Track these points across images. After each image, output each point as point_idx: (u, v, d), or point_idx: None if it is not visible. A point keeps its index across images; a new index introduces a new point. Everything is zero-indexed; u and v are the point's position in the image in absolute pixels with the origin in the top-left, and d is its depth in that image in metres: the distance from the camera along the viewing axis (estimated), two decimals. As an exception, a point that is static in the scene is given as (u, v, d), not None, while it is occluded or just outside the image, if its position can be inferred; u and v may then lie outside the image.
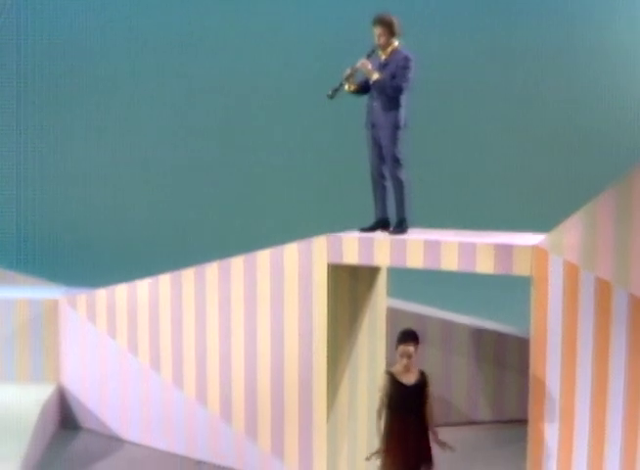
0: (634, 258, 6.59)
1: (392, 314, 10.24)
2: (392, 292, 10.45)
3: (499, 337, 10.89)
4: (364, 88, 8.69)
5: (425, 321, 10.76)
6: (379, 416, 7.51)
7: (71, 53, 16.54)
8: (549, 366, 7.46)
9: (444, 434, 10.47)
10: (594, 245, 6.94)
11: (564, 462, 7.49)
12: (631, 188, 6.60)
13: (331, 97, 8.66)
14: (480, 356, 10.91)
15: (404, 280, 10.76)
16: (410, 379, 7.43)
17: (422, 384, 7.47)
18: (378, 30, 8.51)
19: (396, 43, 8.55)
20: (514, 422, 10.41)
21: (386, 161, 8.60)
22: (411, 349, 7.36)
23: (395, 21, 8.51)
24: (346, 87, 8.64)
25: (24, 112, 16.46)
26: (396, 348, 7.44)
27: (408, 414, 7.38)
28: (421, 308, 11.06)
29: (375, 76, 8.50)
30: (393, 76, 8.47)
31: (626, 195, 6.65)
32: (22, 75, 16.29)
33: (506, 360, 10.81)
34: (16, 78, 16.32)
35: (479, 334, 10.91)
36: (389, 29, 8.49)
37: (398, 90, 8.48)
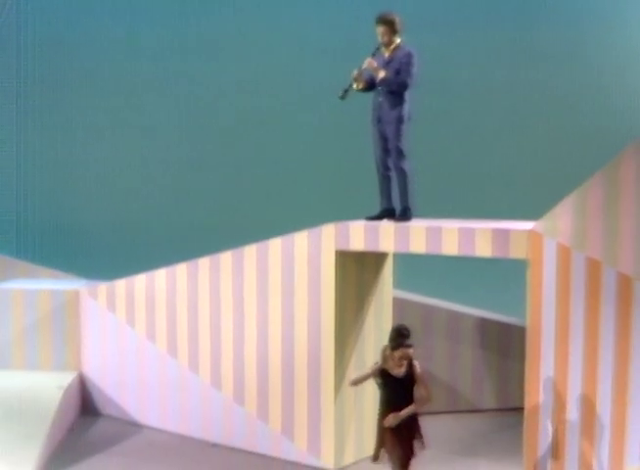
0: (622, 237, 6.99)
1: (400, 304, 10.65)
2: (400, 285, 10.88)
3: (503, 327, 11.24)
4: (371, 85, 9.12)
5: (431, 311, 11.15)
6: (352, 384, 7.82)
7: (73, 50, 16.50)
8: (544, 342, 7.83)
9: (450, 421, 10.92)
10: (584, 227, 7.33)
11: (560, 426, 7.87)
12: (618, 172, 7.00)
13: (342, 98, 9.09)
14: (485, 346, 11.27)
15: (411, 275, 11.17)
16: (400, 371, 7.49)
17: (411, 373, 7.52)
18: (381, 29, 8.94)
19: (398, 40, 8.99)
20: (518, 409, 10.70)
21: (390, 153, 9.02)
22: (411, 351, 7.40)
23: (397, 19, 8.93)
24: (355, 86, 9.08)
25: (25, 108, 16.50)
26: (393, 348, 7.40)
27: (401, 404, 7.48)
28: (427, 299, 11.42)
29: (381, 74, 8.93)
30: (398, 73, 8.90)
31: (613, 179, 7.05)
32: (22, 64, 16.30)
33: (510, 350, 11.14)
34: (16, 71, 16.37)
35: (483, 324, 11.27)
36: (392, 28, 8.92)
37: (404, 86, 8.92)
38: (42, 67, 16.41)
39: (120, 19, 16.54)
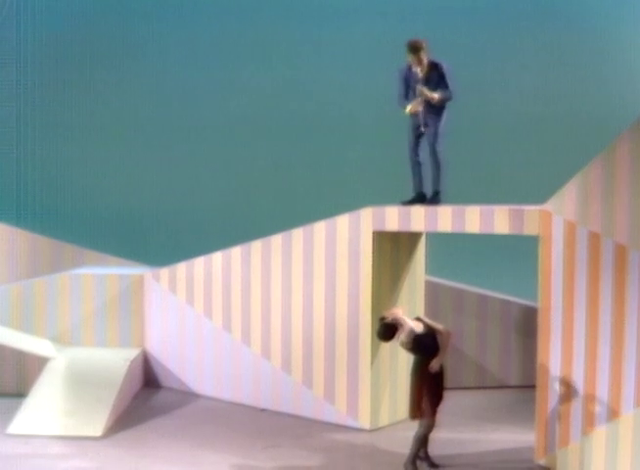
0: (618, 213, 7.97)
1: (434, 288, 11.73)
2: (434, 272, 11.93)
3: (527, 310, 12.22)
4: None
5: (462, 294, 12.20)
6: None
7: (73, 50, 16.63)
8: (554, 308, 8.84)
9: (479, 395, 11.92)
10: (587, 204, 8.33)
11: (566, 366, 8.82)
12: (614, 156, 8.01)
13: (421, 133, 10.20)
14: (511, 327, 12.28)
15: (444, 263, 12.19)
16: (419, 328, 8.84)
17: (429, 328, 8.87)
18: (416, 56, 10.08)
19: (426, 59, 10.14)
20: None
21: (422, 143, 10.16)
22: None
23: (424, 43, 10.12)
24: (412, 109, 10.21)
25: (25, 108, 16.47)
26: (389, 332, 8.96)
27: (434, 353, 8.79)
28: (458, 284, 12.47)
29: (436, 97, 10.06)
30: (437, 85, 10.04)
31: (611, 162, 8.05)
32: (22, 64, 16.28)
33: (533, 331, 12.04)
34: (16, 71, 16.37)
35: (509, 307, 12.29)
36: (422, 51, 10.09)
37: (452, 98, 10.12)
38: (42, 67, 16.50)
39: (120, 18, 16.74)
